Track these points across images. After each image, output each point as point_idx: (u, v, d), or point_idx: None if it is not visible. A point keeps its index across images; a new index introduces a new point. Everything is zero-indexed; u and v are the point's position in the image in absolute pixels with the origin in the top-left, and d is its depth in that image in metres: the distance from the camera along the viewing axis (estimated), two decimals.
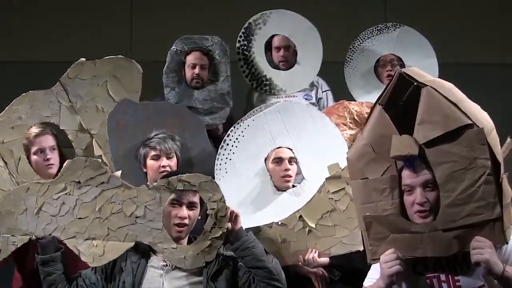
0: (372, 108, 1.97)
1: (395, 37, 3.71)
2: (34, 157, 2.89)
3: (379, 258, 1.90)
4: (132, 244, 2.35)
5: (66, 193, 2.35)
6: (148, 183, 2.59)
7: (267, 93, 3.66)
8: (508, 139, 2.37)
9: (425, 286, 1.90)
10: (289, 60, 3.68)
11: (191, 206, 2.35)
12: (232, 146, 2.85)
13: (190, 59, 3.38)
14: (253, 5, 3.92)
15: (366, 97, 3.51)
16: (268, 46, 3.72)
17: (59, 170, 2.58)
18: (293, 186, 2.81)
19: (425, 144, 1.84)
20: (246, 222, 2.47)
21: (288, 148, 2.82)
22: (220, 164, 2.84)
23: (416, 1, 4.82)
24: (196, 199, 2.36)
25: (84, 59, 3.03)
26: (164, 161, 2.78)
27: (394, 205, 1.89)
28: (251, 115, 2.94)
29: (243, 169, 2.83)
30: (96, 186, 2.36)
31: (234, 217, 2.36)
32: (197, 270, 2.35)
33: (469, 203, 1.80)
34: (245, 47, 3.67)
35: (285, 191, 2.79)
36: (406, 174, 1.87)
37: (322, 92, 3.74)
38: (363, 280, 2.06)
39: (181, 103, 3.28)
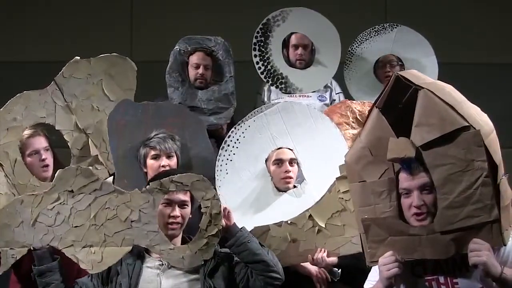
0: (370, 111, 1.97)
1: (393, 37, 3.70)
2: (28, 159, 2.89)
3: (377, 261, 1.90)
4: (130, 248, 2.35)
5: (60, 203, 2.34)
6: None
7: (282, 91, 3.63)
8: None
9: None
10: (306, 59, 3.65)
11: (182, 204, 2.37)
12: (233, 147, 2.85)
13: (194, 59, 3.38)
14: (253, 5, 3.92)
15: (367, 98, 3.47)
16: (285, 43, 3.68)
17: (54, 171, 2.57)
18: (294, 186, 2.81)
19: (422, 147, 1.83)
20: (246, 223, 2.47)
21: (289, 149, 2.82)
22: (221, 165, 2.84)
23: (416, 1, 4.82)
24: (187, 197, 2.37)
25: (78, 57, 3.00)
26: (164, 161, 2.79)
27: (392, 207, 1.89)
28: (252, 116, 2.94)
29: (244, 170, 2.83)
30: (89, 194, 2.35)
31: (226, 214, 2.38)
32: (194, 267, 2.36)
33: (466, 206, 1.79)
34: (262, 43, 3.63)
35: (285, 192, 2.80)
36: (403, 177, 1.87)
37: (336, 94, 3.71)
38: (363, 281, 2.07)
39: (185, 103, 3.28)
